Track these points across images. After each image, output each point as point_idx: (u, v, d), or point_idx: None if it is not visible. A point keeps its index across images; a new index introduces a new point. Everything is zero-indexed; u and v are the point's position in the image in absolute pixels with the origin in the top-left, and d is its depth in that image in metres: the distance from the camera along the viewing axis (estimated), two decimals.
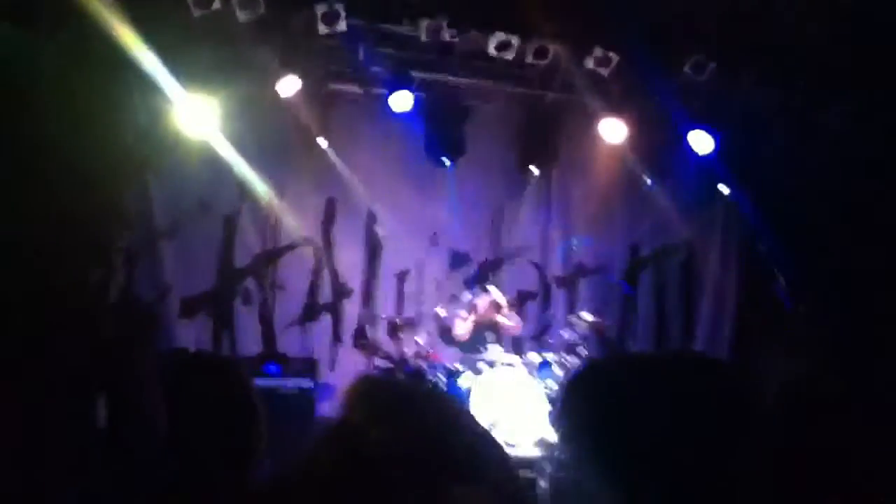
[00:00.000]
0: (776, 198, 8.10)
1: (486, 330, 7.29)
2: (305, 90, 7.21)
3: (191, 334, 6.72)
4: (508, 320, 7.38)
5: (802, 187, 7.82)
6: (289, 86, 7.13)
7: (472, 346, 7.26)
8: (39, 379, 1.46)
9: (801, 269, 7.83)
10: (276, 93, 7.09)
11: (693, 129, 7.94)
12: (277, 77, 7.08)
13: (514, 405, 6.49)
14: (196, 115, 6.79)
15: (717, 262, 8.70)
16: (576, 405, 1.34)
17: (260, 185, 7.34)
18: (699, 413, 1.25)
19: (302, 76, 7.15)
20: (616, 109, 7.85)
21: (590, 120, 7.96)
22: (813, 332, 7.39)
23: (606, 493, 1.21)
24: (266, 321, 7.33)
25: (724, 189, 8.49)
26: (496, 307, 7.31)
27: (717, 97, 7.95)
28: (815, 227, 7.65)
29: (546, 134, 8.15)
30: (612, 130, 7.88)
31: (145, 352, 1.67)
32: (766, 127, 8.12)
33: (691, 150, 7.96)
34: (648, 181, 8.37)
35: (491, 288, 7.47)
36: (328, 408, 6.50)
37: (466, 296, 7.45)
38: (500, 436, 6.30)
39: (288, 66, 7.14)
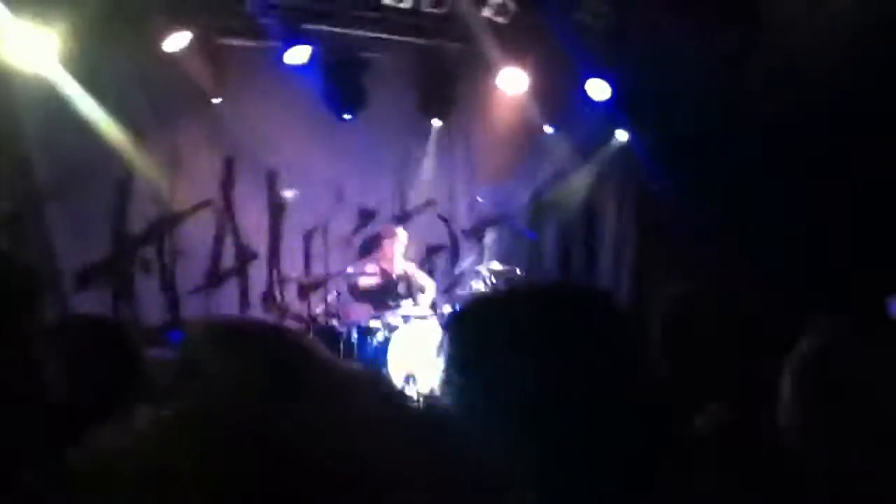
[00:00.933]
0: (671, 137, 8.33)
1: (398, 282, 7.29)
2: (195, 45, 6.87)
3: (88, 306, 6.38)
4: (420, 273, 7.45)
5: (696, 121, 8.05)
6: (177, 41, 6.77)
7: (384, 299, 7.23)
8: None
9: (694, 209, 8.14)
10: (163, 49, 6.72)
11: (592, 74, 8.06)
12: (165, 32, 6.71)
13: (430, 358, 6.52)
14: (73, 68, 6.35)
15: (615, 205, 8.96)
16: (452, 342, 1.33)
17: (154, 147, 6.99)
18: (581, 342, 1.25)
19: (191, 30, 6.80)
20: (515, 58, 7.86)
21: (489, 69, 7.95)
22: (698, 260, 7.70)
23: (487, 433, 1.19)
24: (168, 289, 7.04)
25: (620, 134, 8.69)
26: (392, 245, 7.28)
27: (614, 41, 8.07)
28: (714, 163, 7.87)
29: (446, 84, 8.11)
30: (512, 80, 7.91)
31: (30, 310, 1.59)
32: (662, 66, 8.28)
33: (588, 96, 8.10)
34: (549, 128, 8.47)
35: (398, 230, 7.46)
36: None
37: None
38: (417, 389, 6.35)
39: (175, 21, 6.77)
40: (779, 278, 6.45)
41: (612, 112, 8.43)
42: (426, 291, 7.50)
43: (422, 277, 7.58)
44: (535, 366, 1.22)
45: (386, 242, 7.39)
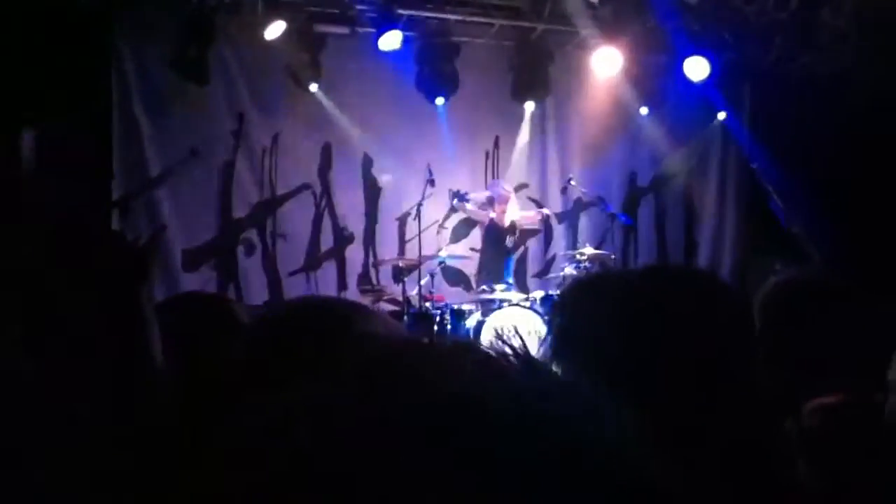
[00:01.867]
0: (773, 118, 8.08)
1: (506, 233, 7.28)
2: (292, 33, 7.05)
3: (195, 286, 6.68)
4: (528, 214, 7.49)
5: (797, 103, 7.80)
6: (275, 30, 6.97)
7: (489, 248, 7.22)
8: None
9: (796, 186, 7.86)
10: (263, 38, 6.93)
11: (687, 53, 7.85)
12: (264, 21, 6.92)
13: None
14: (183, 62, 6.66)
15: (715, 186, 8.72)
16: (565, 313, 1.32)
17: (255, 133, 7.24)
18: (692, 322, 1.23)
19: (287, 19, 6.99)
20: (609, 37, 7.72)
21: (582, 50, 7.85)
22: (808, 248, 7.46)
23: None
24: (270, 271, 7.29)
25: (720, 115, 8.45)
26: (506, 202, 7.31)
27: (711, 17, 7.83)
28: (813, 141, 7.61)
29: (538, 66, 8.02)
30: (606, 60, 7.77)
31: (139, 285, 1.67)
32: (762, 44, 8.03)
33: (685, 76, 7.89)
34: (644, 110, 8.30)
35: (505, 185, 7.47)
36: None
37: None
38: None
39: (273, 10, 6.97)
40: (887, 261, 6.18)
41: (711, 92, 8.20)
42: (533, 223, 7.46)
43: (531, 224, 7.53)
44: (646, 342, 1.22)
45: (500, 198, 7.39)
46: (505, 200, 7.33)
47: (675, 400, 1.17)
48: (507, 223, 7.34)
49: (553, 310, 1.38)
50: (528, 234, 8.22)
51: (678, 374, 1.19)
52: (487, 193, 7.47)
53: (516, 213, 7.39)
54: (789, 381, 1.74)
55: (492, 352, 0.61)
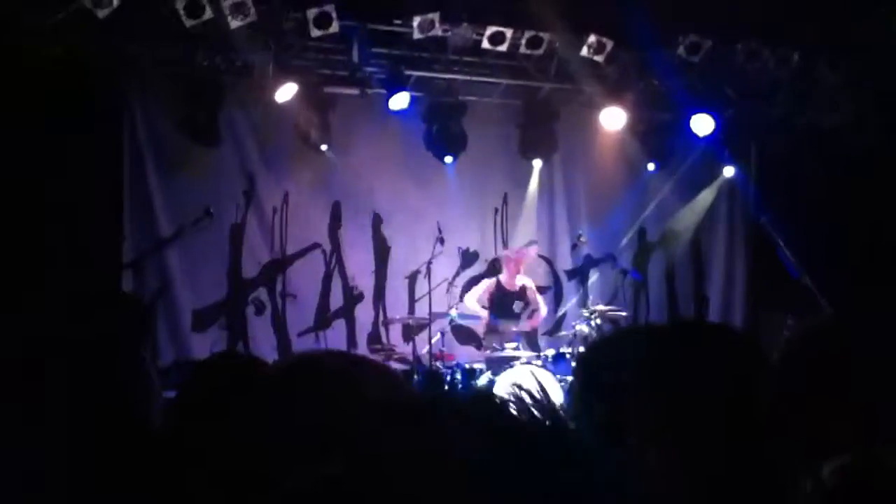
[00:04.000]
0: (780, 171, 8.14)
1: (515, 299, 7.22)
2: (302, 95, 7.15)
3: (205, 346, 6.63)
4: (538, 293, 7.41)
5: (801, 156, 7.86)
6: (286, 92, 7.07)
7: (497, 313, 7.15)
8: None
9: (804, 239, 7.87)
10: (274, 100, 7.03)
11: (692, 110, 7.94)
12: (274, 84, 7.02)
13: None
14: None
15: (724, 240, 8.72)
16: (588, 367, 1.32)
17: (265, 193, 7.28)
18: (711, 376, 1.23)
19: (298, 81, 7.09)
20: (614, 95, 7.83)
21: (588, 107, 7.95)
22: (819, 300, 7.41)
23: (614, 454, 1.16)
24: (280, 330, 7.24)
25: (727, 170, 8.51)
26: (517, 264, 7.29)
27: (713, 76, 7.96)
28: (820, 194, 7.65)
29: (545, 124, 8.10)
30: (612, 117, 7.86)
31: (135, 341, 1.66)
32: (766, 99, 8.15)
33: (691, 131, 7.96)
34: (651, 166, 8.35)
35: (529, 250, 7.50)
36: None
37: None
38: None
39: (283, 72, 7.08)
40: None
41: (717, 147, 8.26)
42: (538, 312, 7.40)
43: (538, 298, 7.51)
44: (665, 397, 1.21)
45: (513, 259, 7.38)
46: (514, 264, 7.32)
47: (705, 449, 1.17)
48: (516, 287, 7.31)
49: (580, 363, 1.39)
50: (537, 291, 8.18)
51: (706, 425, 1.19)
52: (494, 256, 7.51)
53: (527, 277, 7.36)
54: (810, 439, 1.71)
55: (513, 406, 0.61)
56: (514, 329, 7.15)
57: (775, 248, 7.89)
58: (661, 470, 1.17)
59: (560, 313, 8.18)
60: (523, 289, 7.38)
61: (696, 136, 8.00)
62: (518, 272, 7.33)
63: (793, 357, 1.99)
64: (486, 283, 7.40)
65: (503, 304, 7.26)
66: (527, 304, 7.38)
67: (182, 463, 1.40)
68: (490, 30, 7.26)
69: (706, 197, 8.62)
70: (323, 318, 7.51)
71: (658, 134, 8.23)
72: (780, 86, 8.15)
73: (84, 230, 5.94)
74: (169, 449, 1.51)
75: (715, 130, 7.98)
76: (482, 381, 6.79)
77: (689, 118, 7.94)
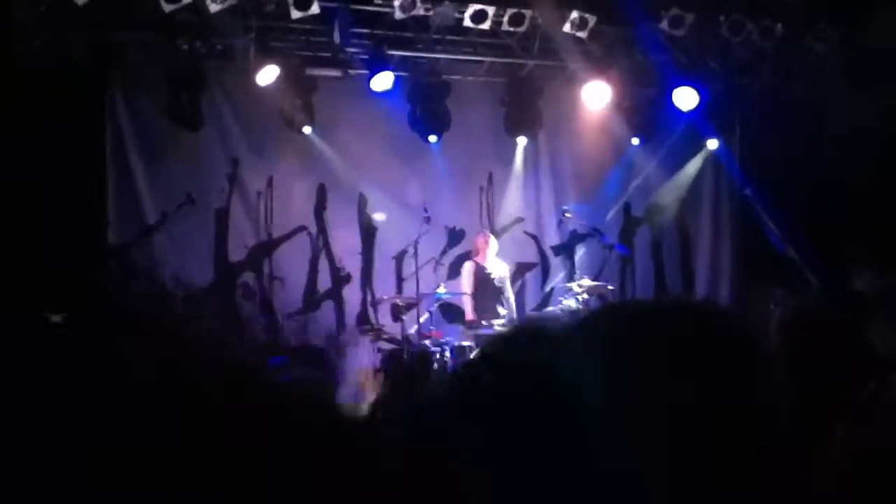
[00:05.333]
0: (763, 143, 8.16)
1: (493, 278, 7.25)
2: (285, 77, 7.13)
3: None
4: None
5: (787, 127, 7.88)
6: (268, 75, 7.05)
7: (482, 297, 7.20)
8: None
9: (789, 212, 7.91)
10: (256, 83, 7.01)
11: (676, 84, 7.94)
12: (256, 67, 7.00)
13: None
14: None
15: (709, 215, 8.76)
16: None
17: (249, 176, 7.28)
18: (702, 357, 1.19)
19: (280, 64, 7.07)
20: (598, 71, 7.82)
21: (572, 83, 7.94)
22: (806, 273, 7.46)
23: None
24: (268, 313, 7.27)
25: (711, 143, 8.53)
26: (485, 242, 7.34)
27: (697, 49, 7.96)
28: (802, 166, 7.69)
29: (529, 102, 8.10)
30: (596, 93, 7.86)
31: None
32: (750, 72, 8.15)
33: (675, 107, 7.97)
34: (635, 140, 8.37)
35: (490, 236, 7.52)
36: (339, 394, 6.47)
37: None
38: None
39: (265, 55, 7.06)
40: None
41: (701, 121, 8.28)
42: (507, 304, 7.43)
43: (508, 287, 7.53)
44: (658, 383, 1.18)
45: (480, 243, 7.41)
46: (478, 251, 7.34)
47: (703, 427, 1.12)
48: (488, 269, 7.34)
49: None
50: (524, 268, 8.23)
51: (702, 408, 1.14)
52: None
53: (494, 263, 7.38)
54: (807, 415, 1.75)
55: None
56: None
57: (760, 221, 7.95)
58: None
59: (547, 289, 8.23)
60: (497, 275, 7.37)
61: (680, 110, 8.01)
62: (486, 255, 7.32)
63: (788, 330, 2.02)
64: (468, 267, 7.40)
65: (486, 281, 7.28)
66: (502, 287, 7.37)
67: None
68: (472, 8, 7.24)
69: (691, 170, 8.65)
70: (311, 300, 7.55)
71: (642, 109, 8.23)
72: (764, 58, 8.16)
73: (68, 217, 5.95)
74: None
75: (699, 104, 7.99)
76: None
77: (673, 92, 7.94)
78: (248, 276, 7.34)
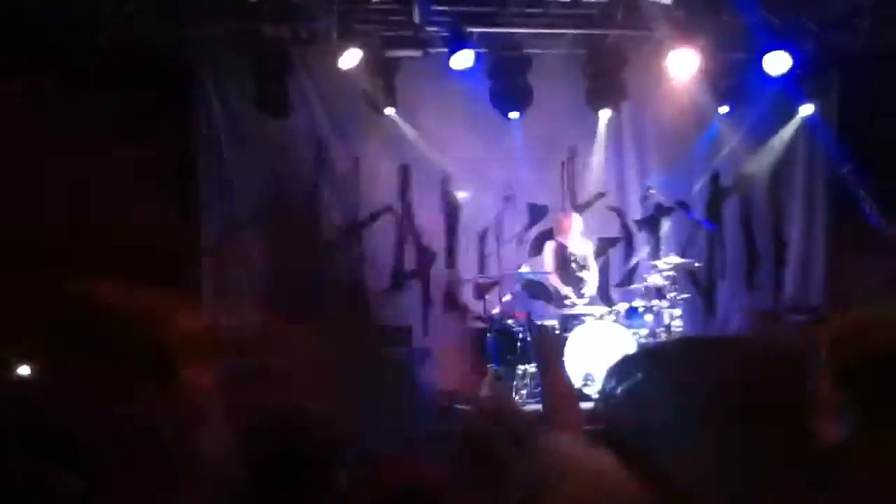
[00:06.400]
0: (864, 106, 7.77)
1: (573, 258, 7.27)
2: (367, 60, 7.22)
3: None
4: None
5: (889, 89, 7.47)
6: (350, 58, 7.15)
7: (561, 275, 7.23)
8: None
9: (890, 187, 7.55)
10: (339, 66, 7.13)
11: (767, 47, 7.62)
12: (338, 50, 7.11)
13: (608, 356, 6.53)
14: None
15: (802, 186, 8.44)
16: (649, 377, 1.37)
17: (336, 159, 7.47)
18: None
19: (361, 46, 7.16)
20: (684, 38, 7.56)
21: (657, 52, 7.71)
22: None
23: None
24: (359, 293, 7.51)
25: (803, 110, 8.18)
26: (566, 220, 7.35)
27: (790, 6, 7.59)
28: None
29: (613, 74, 7.91)
30: (682, 61, 7.62)
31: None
32: (848, 29, 7.72)
33: (765, 72, 7.66)
34: (724, 109, 8.10)
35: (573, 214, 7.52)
36: (426, 373, 6.67)
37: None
38: (596, 388, 6.39)
39: (347, 38, 7.15)
40: None
41: (793, 86, 7.93)
42: (589, 282, 7.41)
43: (592, 265, 7.53)
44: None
45: (562, 221, 7.41)
46: (561, 229, 7.32)
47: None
48: (571, 248, 7.33)
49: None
50: (607, 243, 8.17)
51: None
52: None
53: (577, 241, 7.34)
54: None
55: None
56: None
57: (856, 196, 7.63)
58: None
59: (631, 264, 8.17)
60: (580, 253, 7.36)
61: (770, 76, 7.69)
62: (569, 233, 7.31)
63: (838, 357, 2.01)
64: (550, 246, 7.42)
65: (566, 262, 7.30)
66: (584, 266, 7.36)
67: None
68: None
69: (783, 138, 8.32)
70: (398, 279, 7.74)
71: (731, 75, 7.92)
72: (863, 13, 7.72)
73: (162, 216, 6.24)
74: None
75: (792, 68, 7.65)
76: None
77: (763, 57, 7.63)
78: (338, 256, 7.58)
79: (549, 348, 2.09)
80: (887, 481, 1.52)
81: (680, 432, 1.23)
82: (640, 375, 1.37)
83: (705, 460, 1.21)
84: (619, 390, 1.35)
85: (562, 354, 1.96)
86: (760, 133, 8.22)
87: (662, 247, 7.96)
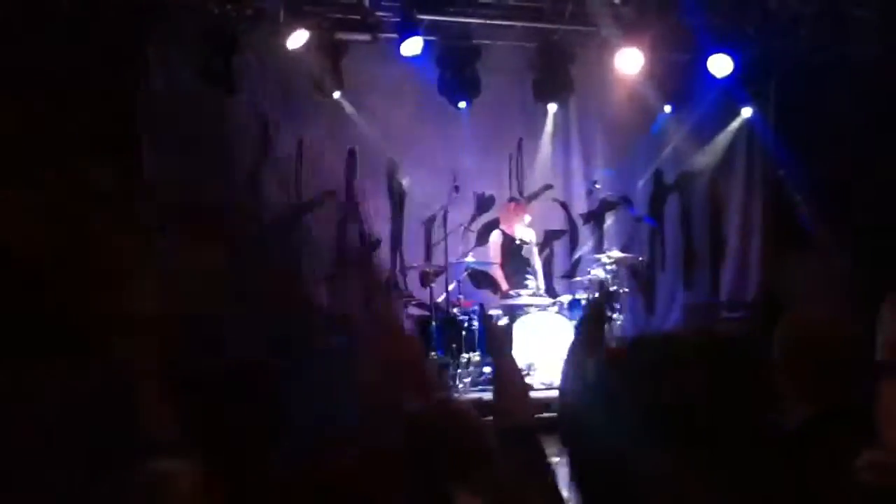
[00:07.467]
0: (799, 112, 8.00)
1: (521, 246, 7.26)
2: (314, 42, 7.08)
3: None
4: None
5: (824, 96, 7.71)
6: (297, 39, 7.00)
7: (510, 264, 7.21)
8: None
9: (823, 191, 7.79)
10: (286, 47, 6.97)
11: (711, 50, 7.79)
12: (286, 30, 6.95)
13: (550, 347, 6.53)
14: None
15: (741, 186, 8.65)
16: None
17: (280, 140, 7.29)
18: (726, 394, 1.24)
19: (309, 27, 7.01)
20: (631, 36, 7.67)
21: (604, 49, 7.80)
22: (835, 257, 7.38)
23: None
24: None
25: (745, 111, 8.39)
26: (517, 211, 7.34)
27: (733, 12, 7.78)
28: (839, 134, 7.53)
29: (560, 67, 7.97)
30: (628, 59, 7.73)
31: None
32: (787, 37, 7.95)
33: (709, 73, 7.83)
34: (668, 108, 8.25)
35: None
36: (366, 362, 6.54)
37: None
38: (538, 378, 6.37)
39: (294, 18, 7.00)
40: None
41: (735, 88, 8.13)
42: (534, 273, 7.43)
43: (535, 256, 7.54)
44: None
45: (509, 211, 7.40)
46: (507, 219, 7.33)
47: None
48: (517, 238, 7.34)
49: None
50: (552, 235, 8.21)
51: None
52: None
53: (523, 232, 7.36)
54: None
55: None
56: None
57: (791, 199, 7.84)
58: None
59: (575, 257, 8.22)
60: (526, 241, 7.39)
61: (714, 77, 7.87)
62: (515, 222, 7.32)
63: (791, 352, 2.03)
64: (496, 236, 7.41)
65: (514, 250, 7.30)
66: (530, 257, 7.38)
67: None
68: None
69: (723, 139, 8.53)
70: (341, 267, 7.57)
71: (675, 75, 8.09)
72: (802, 22, 7.95)
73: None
74: None
75: (734, 71, 7.84)
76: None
77: (707, 58, 7.80)
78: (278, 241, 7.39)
79: (502, 337, 2.10)
80: (836, 471, 1.56)
81: (637, 433, 1.18)
82: (597, 374, 1.33)
83: (661, 462, 1.18)
84: (576, 387, 1.38)
85: (511, 343, 1.96)
86: (703, 133, 8.41)
87: (606, 241, 8.04)
